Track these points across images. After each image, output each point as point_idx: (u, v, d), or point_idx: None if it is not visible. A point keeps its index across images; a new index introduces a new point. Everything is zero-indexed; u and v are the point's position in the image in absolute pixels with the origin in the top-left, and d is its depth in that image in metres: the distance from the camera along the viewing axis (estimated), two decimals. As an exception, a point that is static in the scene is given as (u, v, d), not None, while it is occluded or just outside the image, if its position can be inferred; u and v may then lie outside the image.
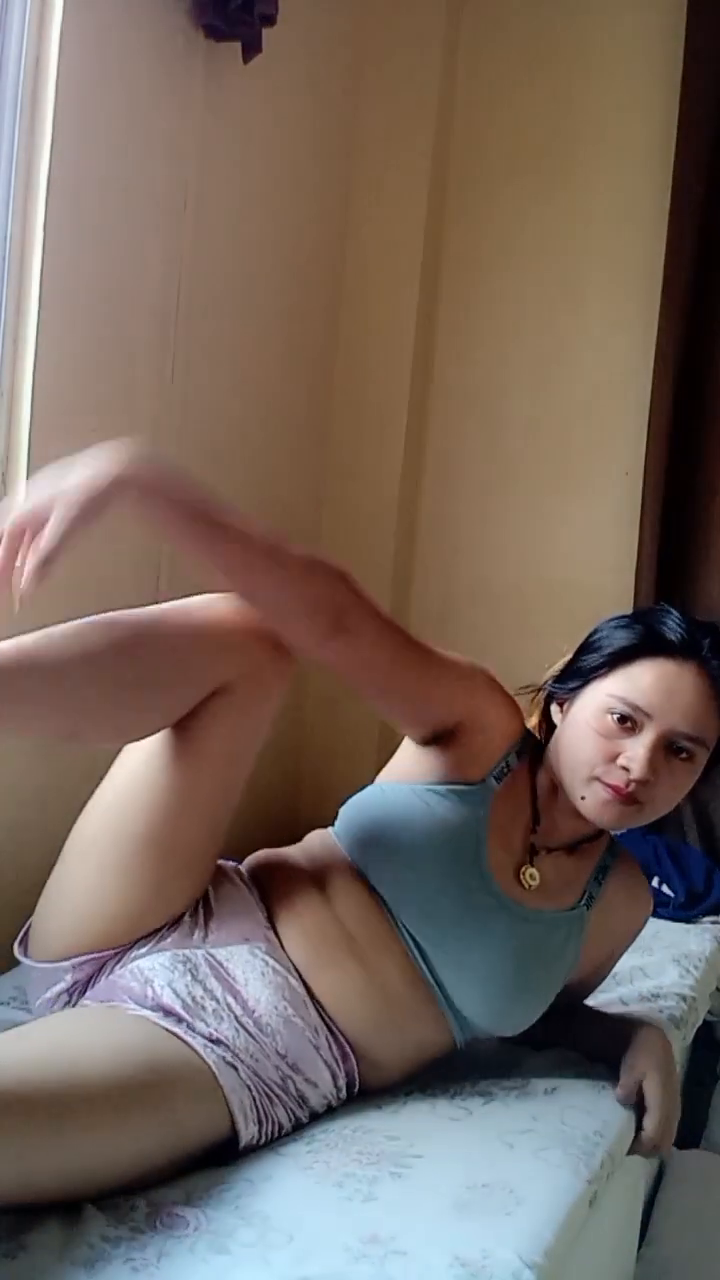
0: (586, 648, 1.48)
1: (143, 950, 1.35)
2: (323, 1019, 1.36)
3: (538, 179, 2.89)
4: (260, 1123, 1.26)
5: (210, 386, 2.31)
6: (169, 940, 1.36)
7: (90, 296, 1.99)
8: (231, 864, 1.50)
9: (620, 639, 1.43)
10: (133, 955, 1.35)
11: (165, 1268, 1.03)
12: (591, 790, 1.39)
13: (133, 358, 2.11)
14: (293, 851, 1.52)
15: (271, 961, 1.35)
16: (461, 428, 2.96)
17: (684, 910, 2.38)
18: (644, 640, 1.42)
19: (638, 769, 1.36)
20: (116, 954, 1.36)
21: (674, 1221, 1.85)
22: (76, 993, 1.38)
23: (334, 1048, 1.35)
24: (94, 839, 1.39)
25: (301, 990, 1.35)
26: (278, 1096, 1.30)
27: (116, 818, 1.37)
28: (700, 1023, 1.97)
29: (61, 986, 1.38)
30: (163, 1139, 1.18)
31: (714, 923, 2.39)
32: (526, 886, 1.45)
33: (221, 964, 1.34)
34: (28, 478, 1.88)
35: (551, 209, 2.88)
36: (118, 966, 1.36)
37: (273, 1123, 1.28)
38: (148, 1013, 1.27)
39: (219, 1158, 1.24)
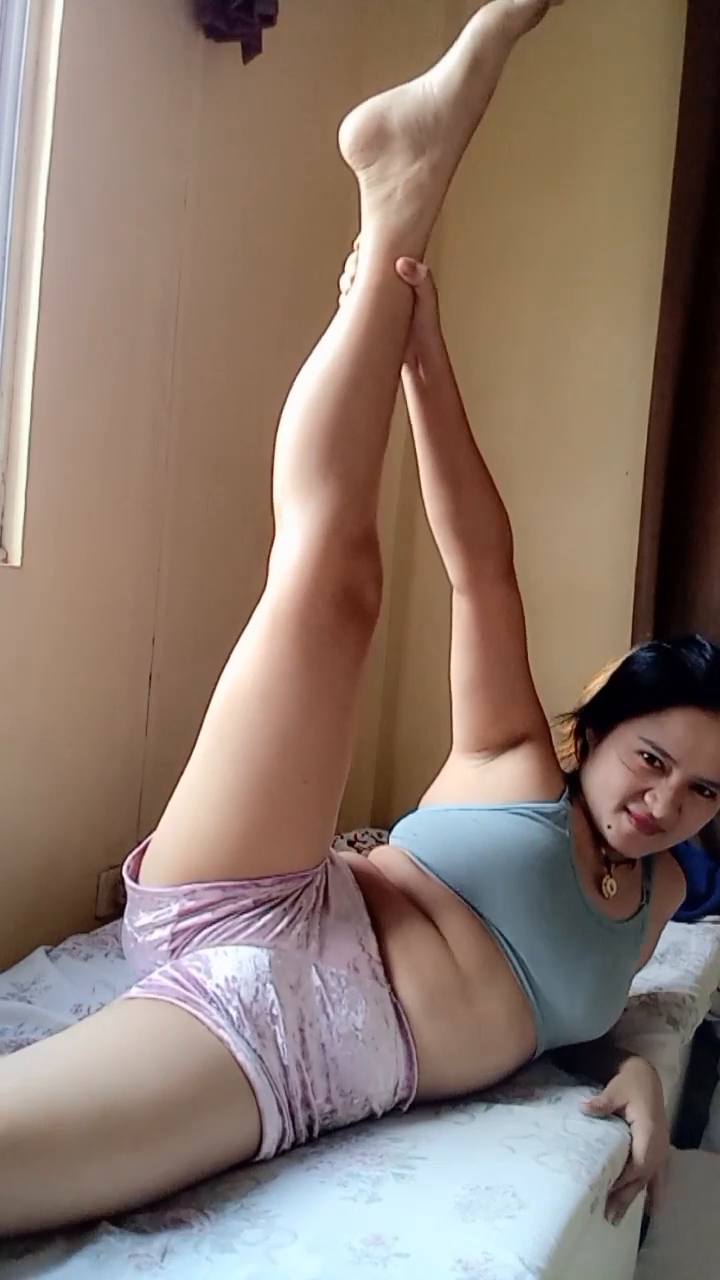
0: (621, 680, 1.55)
1: (261, 935, 1.31)
2: (410, 1064, 1.34)
3: (537, 179, 2.89)
4: (279, 1150, 1.25)
5: (210, 387, 2.31)
6: (286, 939, 1.32)
7: (90, 296, 1.98)
8: (343, 864, 1.48)
9: (653, 680, 1.51)
10: (247, 932, 1.32)
11: (170, 1266, 1.03)
12: (618, 821, 1.49)
13: (133, 358, 2.11)
14: (384, 871, 1.52)
15: (371, 1001, 1.33)
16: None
17: (685, 910, 2.38)
18: (679, 688, 1.48)
19: (660, 810, 1.46)
20: (230, 897, 1.32)
21: (674, 1221, 1.84)
22: (181, 941, 1.33)
23: (398, 1093, 1.35)
24: (215, 739, 1.35)
25: (396, 1033, 1.34)
26: (305, 1129, 1.28)
27: (240, 716, 1.33)
28: (700, 1023, 1.97)
29: (167, 916, 1.34)
30: (189, 1174, 1.16)
31: (715, 923, 2.39)
32: (607, 896, 1.53)
33: (325, 983, 1.32)
34: (27, 477, 1.88)
35: (551, 209, 2.88)
36: (230, 939, 1.31)
37: (286, 1148, 1.27)
38: (226, 1032, 1.22)
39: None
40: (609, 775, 1.50)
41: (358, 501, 1.34)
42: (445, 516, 1.50)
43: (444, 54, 1.43)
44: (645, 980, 1.91)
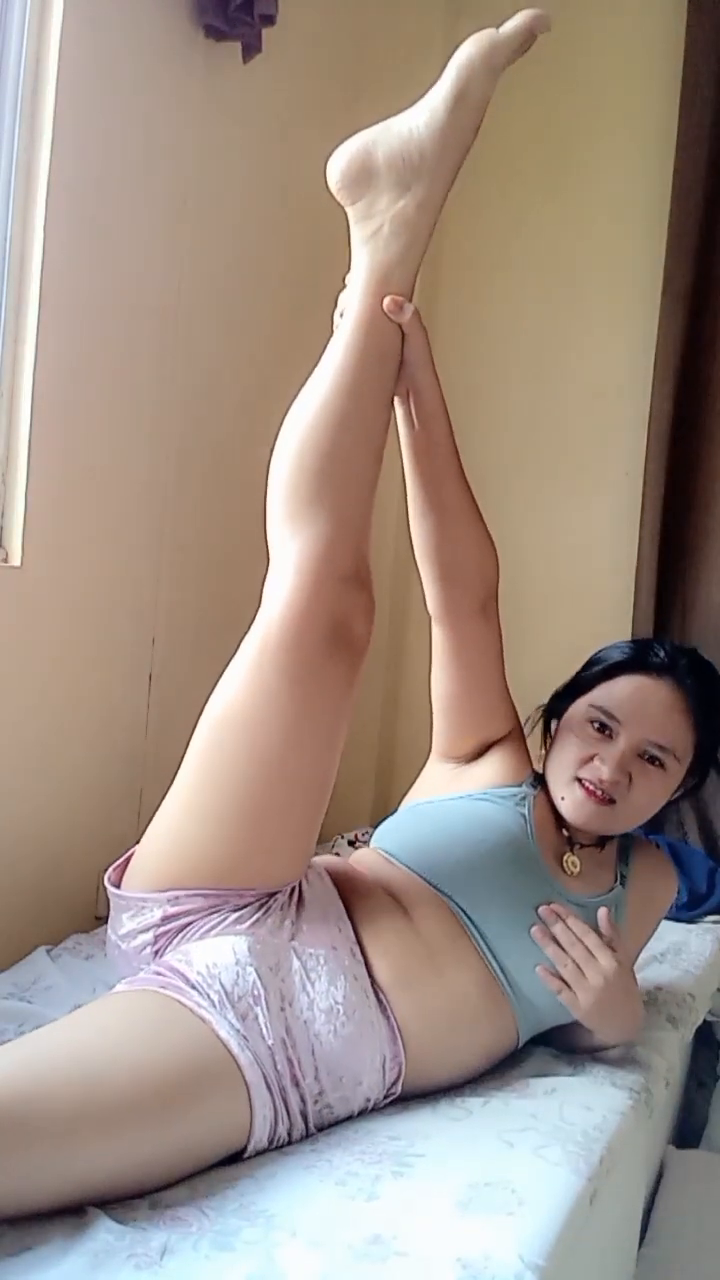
0: (583, 668, 1.63)
1: (238, 924, 1.34)
2: (394, 1039, 1.36)
3: (538, 179, 2.89)
4: (271, 1141, 1.26)
5: (210, 386, 2.31)
6: (263, 927, 1.35)
7: (90, 296, 1.98)
8: (318, 862, 1.51)
9: (606, 658, 1.59)
10: (225, 924, 1.34)
11: (169, 1264, 1.03)
12: (571, 791, 1.53)
13: (133, 358, 2.11)
14: (357, 867, 1.55)
15: (349, 978, 1.35)
16: (461, 428, 2.93)
17: (686, 910, 2.38)
18: (627, 659, 1.56)
19: (607, 770, 1.50)
20: (212, 905, 1.35)
21: (674, 1221, 1.84)
22: (164, 941, 1.36)
23: (386, 1073, 1.36)
24: (201, 762, 1.38)
25: (376, 1009, 1.35)
26: (299, 1116, 1.29)
27: (226, 743, 1.36)
28: (700, 1022, 1.97)
29: (151, 920, 1.37)
30: (174, 1160, 1.16)
31: (715, 923, 2.39)
32: (569, 873, 1.55)
33: (304, 963, 1.34)
34: (28, 477, 1.88)
35: (551, 209, 2.89)
36: (209, 933, 1.34)
37: (283, 1139, 1.28)
38: (208, 1012, 1.24)
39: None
40: (563, 749, 1.56)
41: (348, 535, 1.36)
42: (426, 548, 1.54)
43: (443, 54, 1.42)
44: (645, 979, 1.91)
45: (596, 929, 1.51)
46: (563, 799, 1.54)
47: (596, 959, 1.42)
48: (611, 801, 1.51)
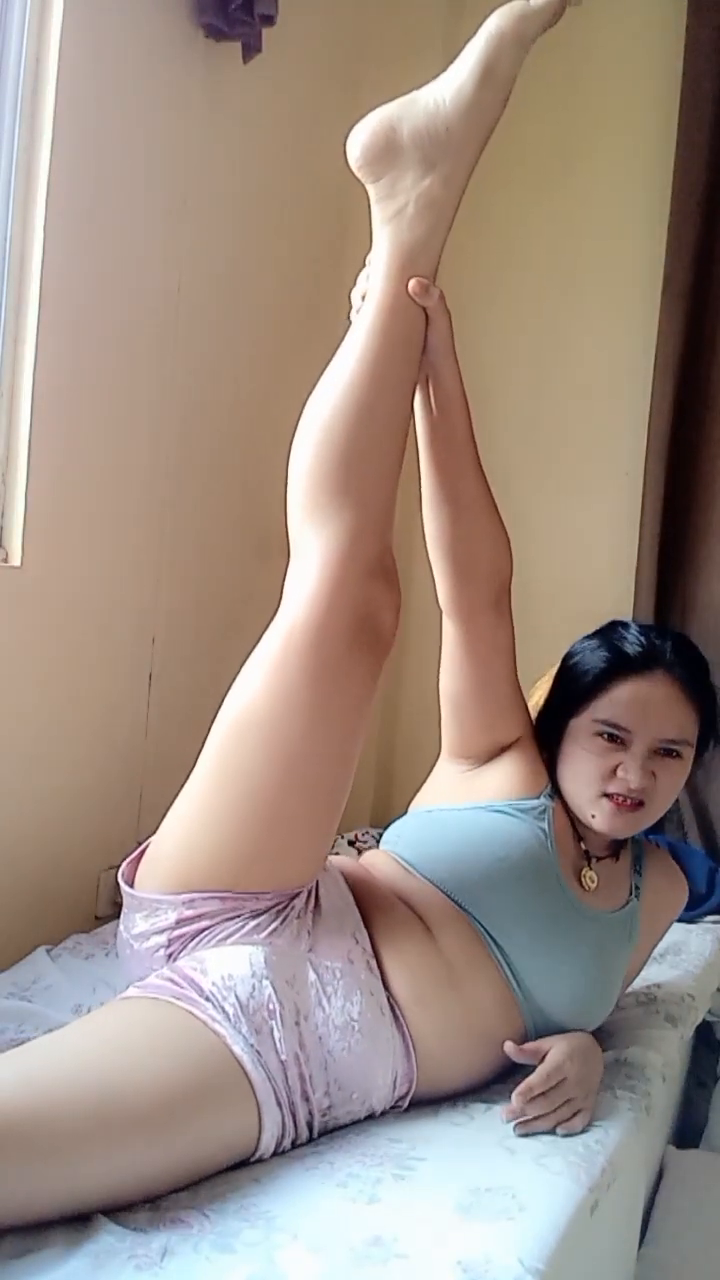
0: (562, 679, 1.58)
1: (255, 933, 1.32)
2: (407, 1056, 1.35)
3: (538, 178, 2.89)
4: (276, 1150, 1.26)
5: (210, 386, 2.31)
6: (280, 937, 1.33)
7: (90, 297, 1.98)
8: (333, 864, 1.49)
9: (590, 666, 1.53)
10: (242, 932, 1.33)
11: (169, 1266, 1.03)
12: (600, 807, 1.51)
13: (133, 357, 2.11)
14: (372, 871, 1.54)
15: (366, 993, 1.34)
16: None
17: (686, 910, 2.38)
18: (612, 664, 1.51)
19: (634, 779, 1.48)
20: (229, 910, 1.33)
21: (674, 1221, 1.84)
22: (178, 944, 1.34)
23: (397, 1088, 1.36)
24: (218, 762, 1.35)
25: (391, 1026, 1.34)
26: (305, 1126, 1.28)
27: (245, 742, 1.33)
28: (700, 1022, 1.97)
29: (165, 923, 1.35)
30: (187, 1168, 1.16)
31: (715, 923, 2.39)
32: (587, 889, 1.54)
33: (320, 977, 1.33)
34: (28, 477, 1.88)
35: (552, 208, 2.88)
36: (225, 940, 1.32)
37: (286, 1147, 1.27)
38: (222, 1026, 1.23)
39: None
40: (578, 767, 1.52)
41: (373, 527, 1.32)
42: (439, 539, 1.50)
43: (444, 53, 1.40)
44: (644, 979, 1.91)
45: (609, 942, 1.53)
46: (594, 816, 1.50)
47: (567, 1104, 1.36)
48: (642, 804, 1.49)
